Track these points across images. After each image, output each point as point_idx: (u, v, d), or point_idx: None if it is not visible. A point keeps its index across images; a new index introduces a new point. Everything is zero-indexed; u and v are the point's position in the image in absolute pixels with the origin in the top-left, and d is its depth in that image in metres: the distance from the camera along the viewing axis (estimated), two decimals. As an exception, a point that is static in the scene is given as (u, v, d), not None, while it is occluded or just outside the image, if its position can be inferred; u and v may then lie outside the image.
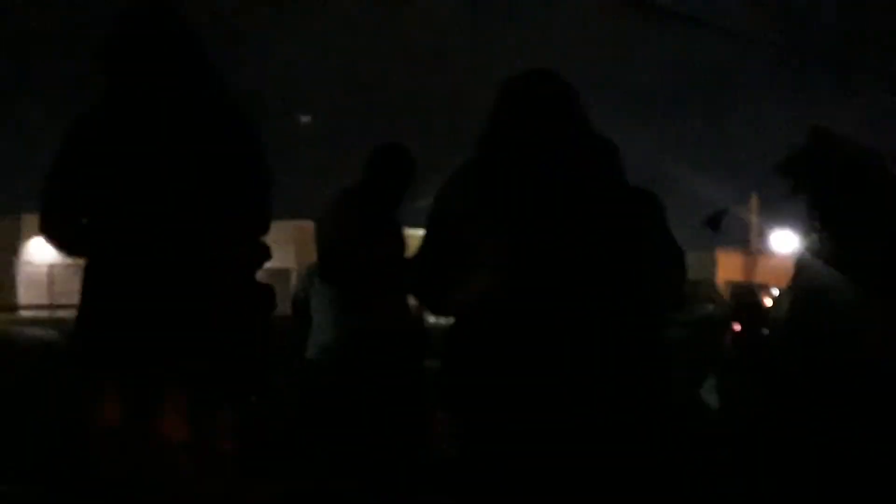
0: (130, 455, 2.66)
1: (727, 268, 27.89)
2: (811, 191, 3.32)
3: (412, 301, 3.93)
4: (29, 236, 25.16)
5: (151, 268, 2.69)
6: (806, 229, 3.37)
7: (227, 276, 2.78)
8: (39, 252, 25.21)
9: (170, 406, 2.64)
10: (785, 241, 25.73)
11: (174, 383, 2.66)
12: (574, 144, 2.67)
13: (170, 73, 2.78)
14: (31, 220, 24.40)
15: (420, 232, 2.79)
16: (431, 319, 5.92)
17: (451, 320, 2.73)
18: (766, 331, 5.71)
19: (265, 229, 2.91)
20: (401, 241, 4.53)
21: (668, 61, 32.05)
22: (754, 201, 28.66)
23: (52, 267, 25.00)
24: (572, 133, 2.69)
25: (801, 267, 3.34)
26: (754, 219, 29.02)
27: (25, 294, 24.38)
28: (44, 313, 19.58)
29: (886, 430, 3.08)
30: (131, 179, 2.70)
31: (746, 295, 6.10)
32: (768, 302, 18.62)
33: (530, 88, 2.73)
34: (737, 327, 6.07)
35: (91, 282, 2.77)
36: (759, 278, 24.81)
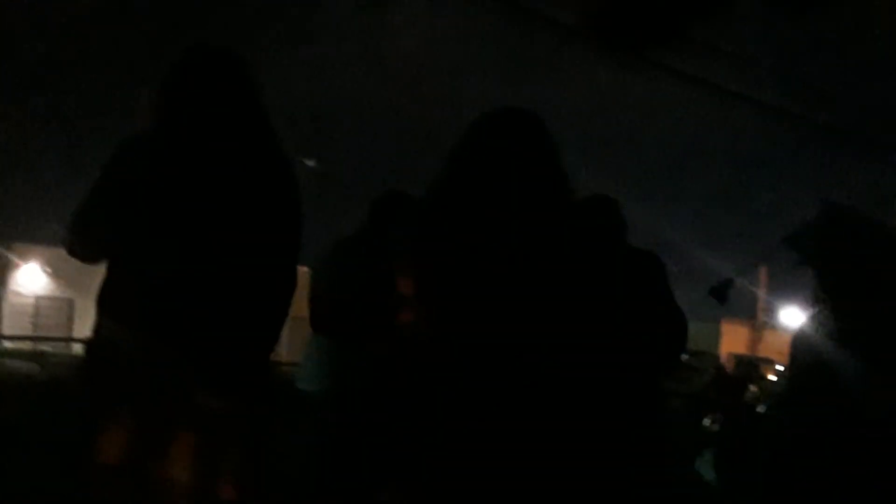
0: (130, 494, 2.57)
1: (731, 340, 27.67)
2: (817, 265, 3.27)
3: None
4: (18, 266, 24.91)
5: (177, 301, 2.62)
6: (811, 303, 3.31)
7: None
8: (27, 283, 24.98)
9: (177, 444, 2.55)
10: (794, 318, 25.64)
11: (184, 420, 2.57)
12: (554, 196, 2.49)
13: (231, 120, 2.74)
14: (21, 249, 24.34)
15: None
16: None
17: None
18: (759, 407, 5.59)
19: (292, 291, 2.90)
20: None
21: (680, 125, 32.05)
22: (763, 273, 28.54)
23: (38, 299, 24.68)
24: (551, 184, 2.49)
25: (798, 340, 3.27)
26: (762, 291, 28.91)
27: (9, 325, 24.03)
28: (27, 345, 19.34)
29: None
30: (171, 215, 2.63)
31: (738, 368, 6.01)
32: (771, 376, 18.42)
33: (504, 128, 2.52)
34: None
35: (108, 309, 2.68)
36: (764, 352, 24.61)
